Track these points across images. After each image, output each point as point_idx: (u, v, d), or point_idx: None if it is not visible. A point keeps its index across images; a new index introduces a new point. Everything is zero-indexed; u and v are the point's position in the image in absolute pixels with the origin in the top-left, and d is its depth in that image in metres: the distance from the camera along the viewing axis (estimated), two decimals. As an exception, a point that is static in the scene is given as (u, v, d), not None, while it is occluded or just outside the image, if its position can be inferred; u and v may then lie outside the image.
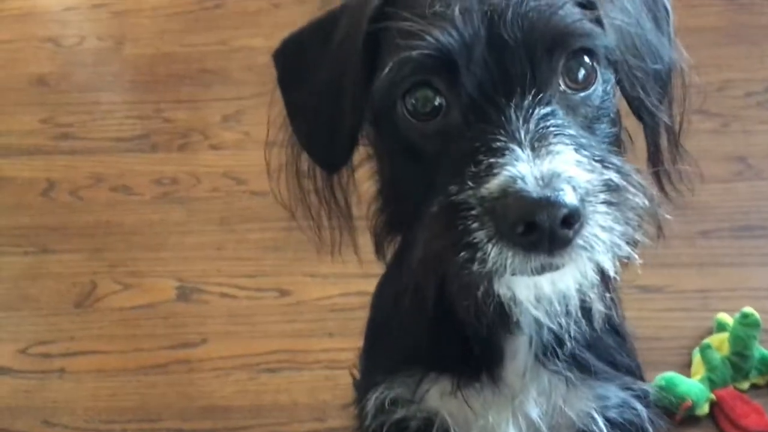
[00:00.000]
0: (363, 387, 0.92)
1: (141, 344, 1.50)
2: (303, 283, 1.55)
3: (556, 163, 0.59)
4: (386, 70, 0.66)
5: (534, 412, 0.82)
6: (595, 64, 0.67)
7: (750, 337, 1.32)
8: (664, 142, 0.77)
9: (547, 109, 0.63)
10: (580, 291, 0.66)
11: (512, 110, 0.62)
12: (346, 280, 1.49)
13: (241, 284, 1.57)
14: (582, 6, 0.69)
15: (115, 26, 2.09)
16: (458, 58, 0.64)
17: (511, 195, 0.58)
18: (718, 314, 1.40)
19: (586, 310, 0.75)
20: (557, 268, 0.62)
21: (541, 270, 0.61)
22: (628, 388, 0.84)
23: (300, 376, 1.42)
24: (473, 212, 0.60)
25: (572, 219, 0.58)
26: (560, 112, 0.64)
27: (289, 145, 0.78)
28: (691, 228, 1.55)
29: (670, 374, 1.32)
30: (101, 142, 1.83)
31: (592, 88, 0.68)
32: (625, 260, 0.64)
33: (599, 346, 0.83)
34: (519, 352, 0.80)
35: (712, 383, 1.31)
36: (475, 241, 0.60)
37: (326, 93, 0.73)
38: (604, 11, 0.69)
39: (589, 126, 0.67)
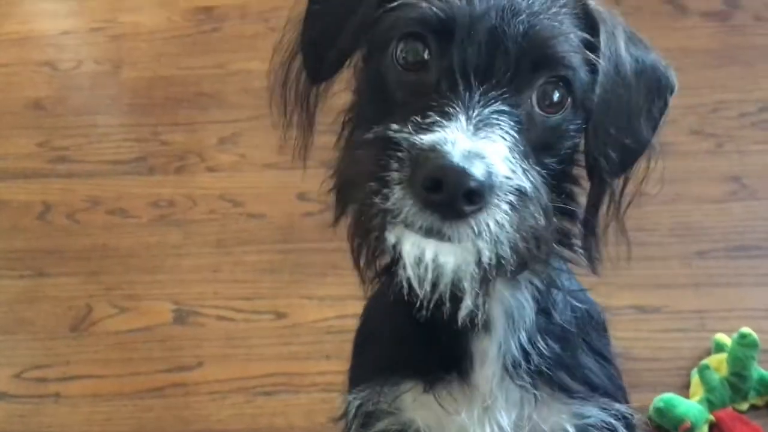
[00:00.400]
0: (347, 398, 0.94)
1: (137, 368, 1.49)
2: (299, 305, 1.55)
3: (486, 147, 0.65)
4: (396, 3, 0.72)
5: (504, 421, 0.84)
6: (568, 98, 0.72)
7: (748, 358, 1.32)
8: (603, 209, 0.80)
9: (506, 108, 0.68)
10: (455, 273, 0.70)
11: (478, 93, 0.67)
12: (343, 303, 1.49)
13: (237, 307, 1.56)
14: (587, 44, 0.73)
15: (112, 50, 2.10)
16: (458, 31, 0.69)
17: (436, 152, 0.63)
18: (715, 335, 1.40)
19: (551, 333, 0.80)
20: (444, 238, 0.66)
21: (429, 233, 0.65)
22: (606, 409, 0.86)
23: (296, 399, 1.42)
24: (399, 154, 0.65)
25: (474, 197, 0.63)
26: (516, 118, 0.69)
27: (291, 46, 0.83)
28: (687, 248, 1.55)
29: (669, 395, 1.31)
30: (98, 165, 1.83)
31: (557, 116, 0.72)
32: (501, 261, 0.68)
33: (573, 366, 0.85)
34: (488, 359, 0.83)
35: (710, 404, 1.31)
36: (387, 178, 0.65)
37: (342, 10, 0.78)
38: (602, 68, 0.74)
39: (537, 148, 0.71)
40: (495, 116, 0.67)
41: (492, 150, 0.65)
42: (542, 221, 0.68)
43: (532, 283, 0.79)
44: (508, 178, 0.65)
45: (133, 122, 1.92)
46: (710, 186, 1.64)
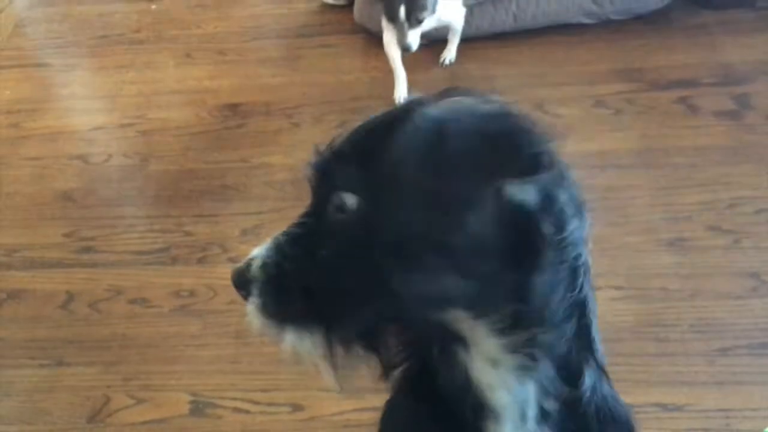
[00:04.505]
0: None
1: (151, 461, 1.47)
2: (317, 397, 1.53)
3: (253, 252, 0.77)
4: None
5: None
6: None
7: (776, 459, 1.28)
8: None
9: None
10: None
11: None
12: (361, 395, 1.48)
13: (255, 399, 1.55)
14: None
15: (141, 144, 2.17)
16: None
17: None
18: (741, 434, 1.37)
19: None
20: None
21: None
22: None
23: (313, 496, 1.39)
24: None
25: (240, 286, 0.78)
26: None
27: None
28: (709, 345, 1.53)
29: (695, 498, 1.27)
30: (122, 255, 1.87)
31: None
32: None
33: None
34: None
35: (739, 508, 1.26)
36: None
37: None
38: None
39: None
40: None
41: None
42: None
43: (534, 365, 0.71)
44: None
45: (159, 213, 1.97)
46: (729, 282, 1.64)
